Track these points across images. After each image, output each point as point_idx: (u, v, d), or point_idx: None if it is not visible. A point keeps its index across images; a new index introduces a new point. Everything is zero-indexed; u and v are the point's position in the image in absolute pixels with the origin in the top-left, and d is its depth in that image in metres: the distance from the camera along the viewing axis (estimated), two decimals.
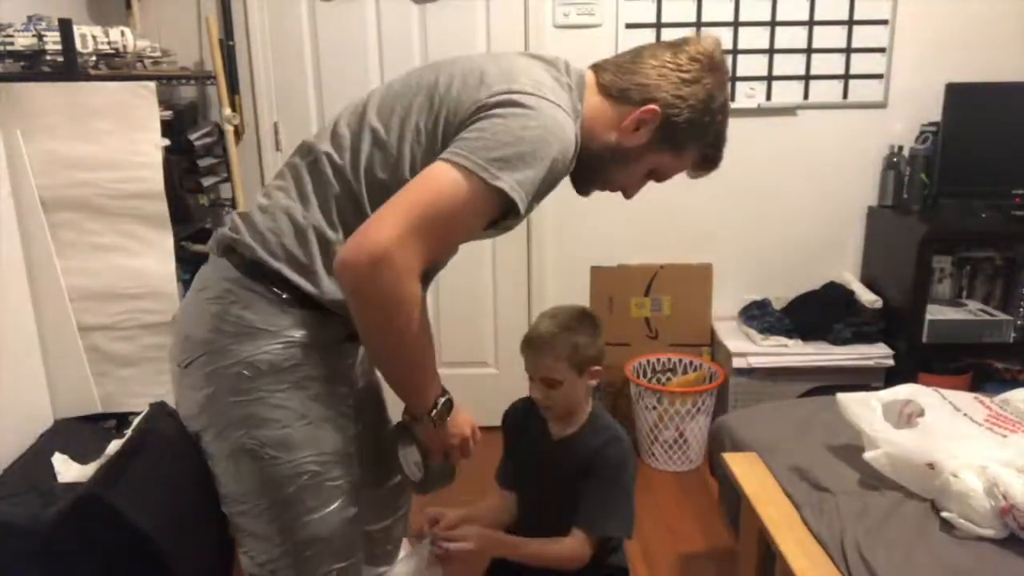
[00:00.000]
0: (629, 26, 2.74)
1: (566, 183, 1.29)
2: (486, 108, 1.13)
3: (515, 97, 1.13)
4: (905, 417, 1.62)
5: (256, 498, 1.24)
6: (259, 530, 1.27)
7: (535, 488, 1.64)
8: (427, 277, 1.23)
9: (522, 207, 1.13)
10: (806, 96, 2.82)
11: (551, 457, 1.60)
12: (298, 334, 1.21)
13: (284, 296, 1.21)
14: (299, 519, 1.24)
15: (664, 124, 1.24)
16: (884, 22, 2.76)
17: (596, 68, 1.31)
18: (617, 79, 1.27)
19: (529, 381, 1.56)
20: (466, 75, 1.19)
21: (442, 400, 1.26)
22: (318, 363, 1.22)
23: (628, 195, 1.35)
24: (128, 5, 2.58)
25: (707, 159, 1.32)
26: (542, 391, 1.53)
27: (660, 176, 1.32)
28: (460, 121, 1.15)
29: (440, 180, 1.10)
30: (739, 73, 2.80)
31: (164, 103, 2.25)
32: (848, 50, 2.79)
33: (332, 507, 1.25)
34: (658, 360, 2.94)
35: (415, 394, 1.26)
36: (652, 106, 1.22)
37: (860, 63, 2.79)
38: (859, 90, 2.82)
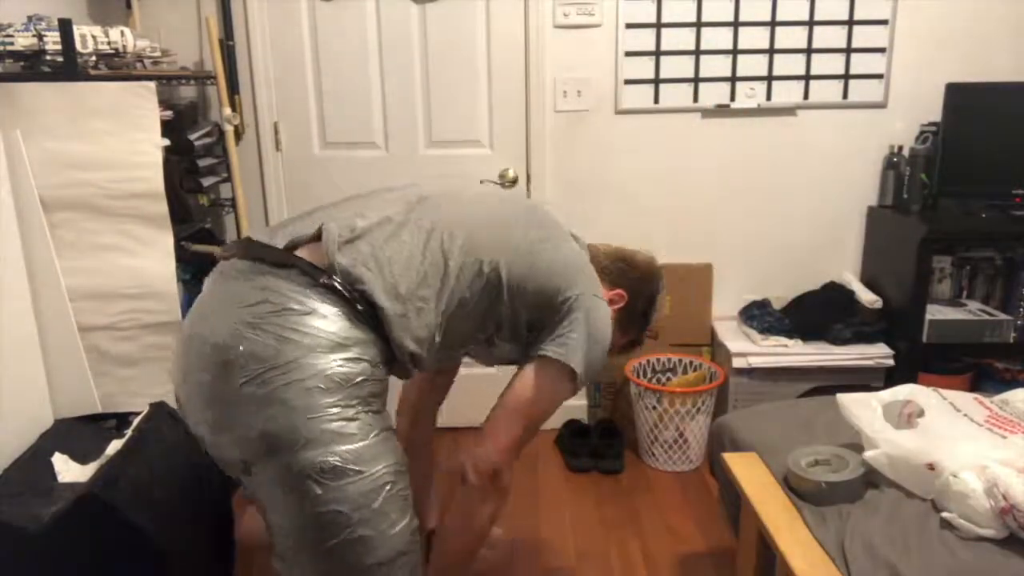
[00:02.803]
0: (629, 26, 2.74)
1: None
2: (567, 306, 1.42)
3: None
4: (905, 417, 1.62)
5: (338, 520, 1.19)
6: (331, 558, 1.21)
7: None
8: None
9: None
10: (806, 96, 2.83)
11: None
12: (366, 351, 1.25)
13: (361, 309, 1.25)
14: (384, 536, 1.23)
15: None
16: (884, 22, 2.76)
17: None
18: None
19: None
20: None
21: None
22: (378, 380, 1.27)
23: None
24: (128, 5, 2.58)
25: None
26: None
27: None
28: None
29: (538, 382, 1.43)
30: (739, 73, 2.80)
31: (164, 103, 2.25)
32: (848, 50, 2.79)
33: (407, 518, 1.28)
34: (658, 360, 2.94)
35: (462, 571, 1.51)
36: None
37: (860, 63, 2.79)
38: (859, 90, 2.82)
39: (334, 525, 1.19)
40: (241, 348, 1.18)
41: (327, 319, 1.21)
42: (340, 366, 1.19)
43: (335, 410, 1.18)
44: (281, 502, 1.21)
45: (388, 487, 1.22)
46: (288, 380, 1.17)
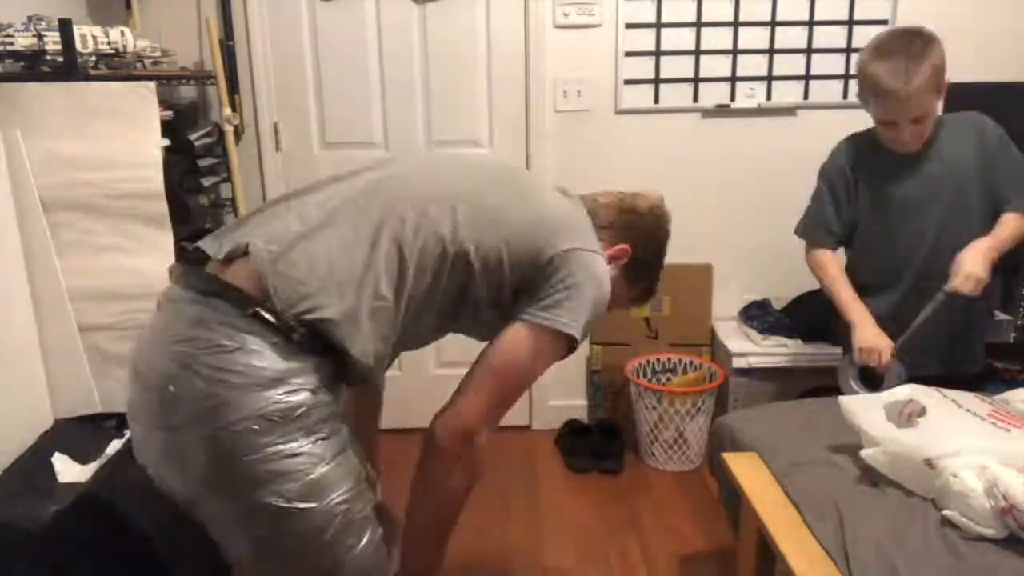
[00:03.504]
0: (629, 26, 2.74)
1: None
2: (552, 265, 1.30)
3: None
4: (906, 417, 1.62)
5: (290, 558, 1.17)
6: None
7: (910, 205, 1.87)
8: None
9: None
10: (806, 96, 2.83)
11: (927, 172, 1.88)
12: (307, 379, 1.16)
13: (297, 338, 1.15)
14: (342, 562, 1.19)
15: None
16: (884, 22, 2.76)
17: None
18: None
19: (885, 125, 1.83)
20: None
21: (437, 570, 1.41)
22: (324, 404, 1.18)
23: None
24: (128, 5, 2.58)
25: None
26: (912, 131, 1.81)
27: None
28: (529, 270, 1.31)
29: (523, 345, 1.29)
30: (739, 73, 2.80)
31: (164, 103, 2.25)
32: (848, 50, 2.79)
33: (366, 537, 1.23)
34: (658, 360, 2.94)
35: (432, 550, 1.40)
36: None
37: None
38: None
39: (291, 557, 1.16)
40: (171, 388, 1.12)
41: (258, 353, 1.12)
42: (276, 403, 1.12)
43: (273, 449, 1.11)
44: (231, 539, 1.18)
45: (340, 516, 1.17)
46: (222, 423, 1.10)
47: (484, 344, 1.34)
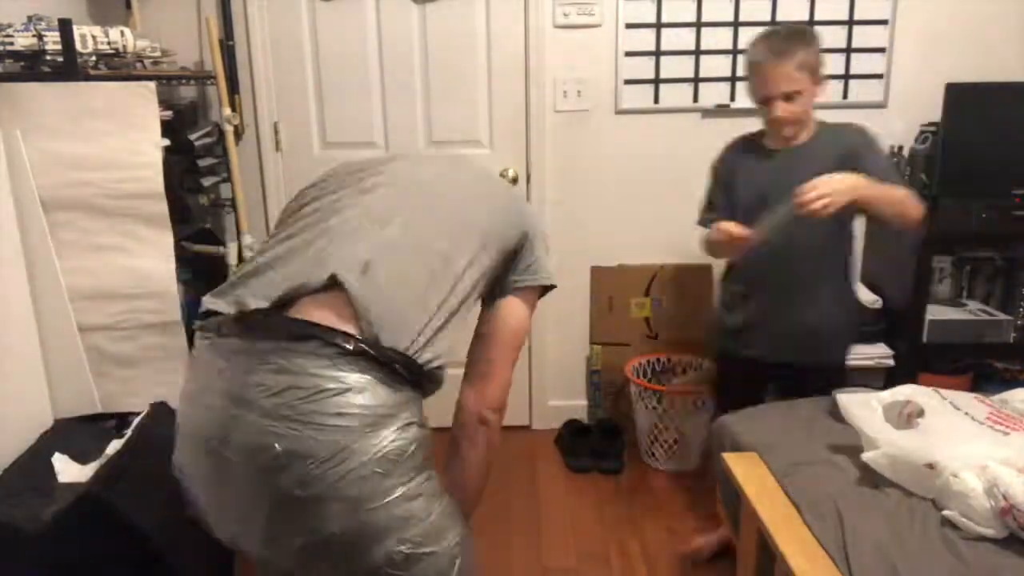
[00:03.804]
0: (629, 26, 2.74)
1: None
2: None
3: None
4: (905, 417, 1.62)
5: None
6: None
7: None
8: None
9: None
10: None
11: (789, 165, 1.96)
12: (411, 412, 1.12)
13: (399, 368, 1.10)
14: None
15: None
16: (884, 22, 2.76)
17: None
18: None
19: (766, 105, 1.95)
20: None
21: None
22: (427, 439, 1.15)
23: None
24: (128, 5, 2.58)
25: None
26: (784, 108, 1.92)
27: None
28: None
29: (525, 313, 1.39)
30: (739, 73, 2.80)
31: (164, 103, 2.25)
32: (848, 50, 2.79)
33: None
34: (658, 360, 2.94)
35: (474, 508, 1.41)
36: None
37: (860, 63, 2.79)
38: (859, 90, 2.82)
39: None
40: (278, 447, 1.02)
41: (367, 392, 1.06)
42: (393, 441, 1.06)
43: (398, 492, 1.06)
44: None
45: (459, 558, 1.14)
46: (343, 472, 1.02)
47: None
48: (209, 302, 1.19)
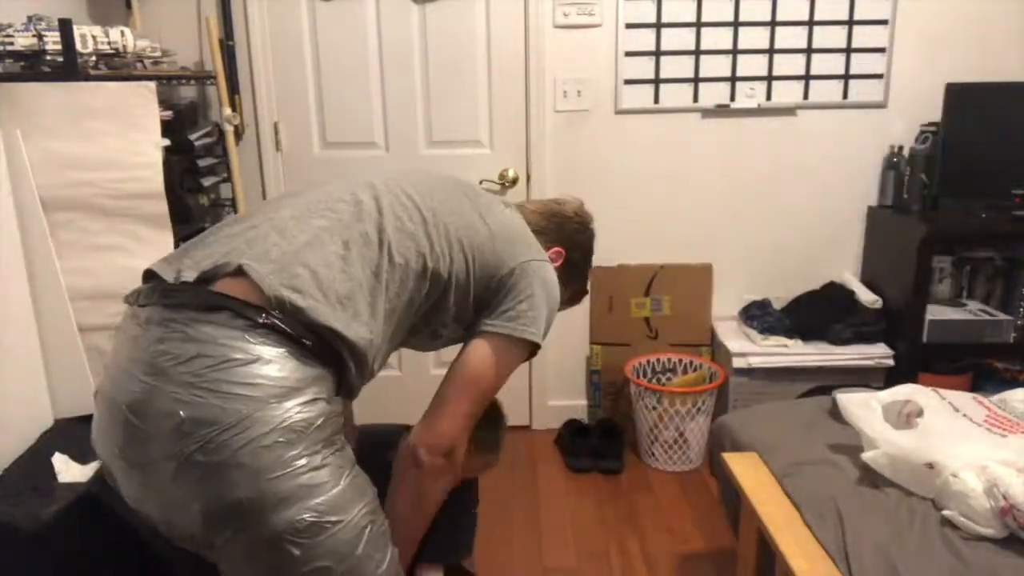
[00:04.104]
0: (629, 26, 2.74)
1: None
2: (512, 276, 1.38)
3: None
4: (904, 417, 1.62)
5: None
6: None
7: None
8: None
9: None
10: (806, 96, 2.82)
11: None
12: (320, 388, 1.14)
13: (309, 344, 1.13)
14: None
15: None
16: (884, 22, 2.76)
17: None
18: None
19: None
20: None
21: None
22: (336, 416, 1.17)
23: None
24: (128, 5, 2.58)
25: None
26: None
27: None
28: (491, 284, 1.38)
29: (492, 358, 1.35)
30: (739, 73, 2.80)
31: (164, 103, 2.25)
32: (848, 50, 2.79)
33: (389, 553, 1.20)
34: (658, 360, 2.94)
35: (409, 556, 1.41)
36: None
37: (860, 63, 2.79)
38: (859, 90, 2.82)
39: None
40: (183, 414, 1.04)
41: (274, 363, 1.08)
42: (299, 412, 1.08)
43: (302, 461, 1.07)
44: (256, 570, 1.10)
45: (368, 528, 1.14)
46: (246, 440, 1.04)
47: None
48: (153, 265, 1.23)
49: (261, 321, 1.10)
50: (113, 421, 1.11)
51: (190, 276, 1.17)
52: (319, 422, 1.11)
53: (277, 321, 1.11)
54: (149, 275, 1.24)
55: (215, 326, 1.09)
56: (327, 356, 1.16)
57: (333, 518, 1.09)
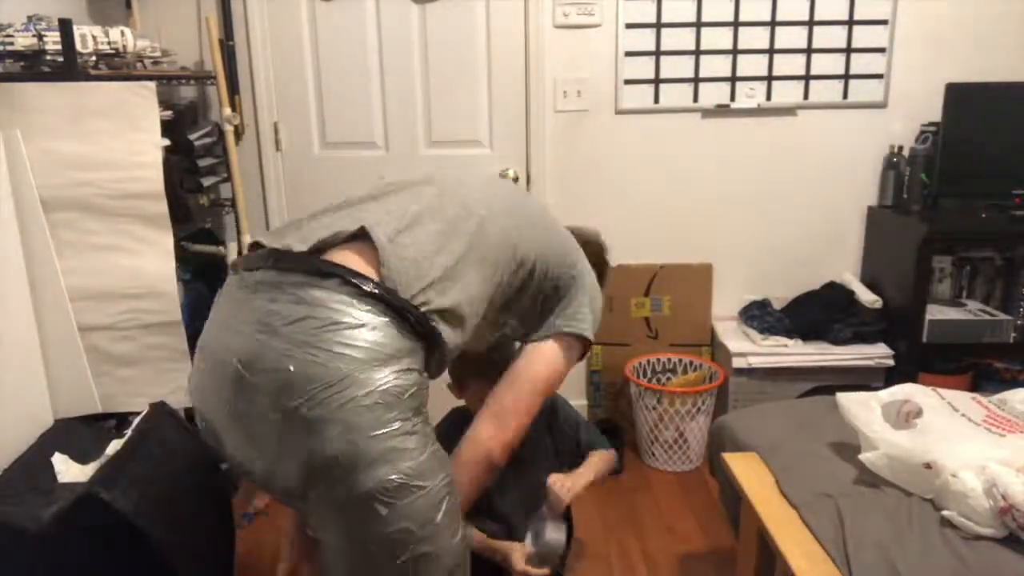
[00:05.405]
0: (629, 26, 2.74)
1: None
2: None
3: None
4: (903, 417, 1.62)
5: (392, 546, 1.14)
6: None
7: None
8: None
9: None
10: (806, 96, 2.82)
11: None
12: (413, 360, 1.19)
13: (411, 318, 1.18)
14: (446, 549, 1.19)
15: None
16: (884, 22, 2.76)
17: None
18: None
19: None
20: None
21: None
22: (425, 389, 1.22)
23: None
24: (128, 5, 2.58)
25: None
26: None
27: None
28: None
29: (559, 357, 1.44)
30: (739, 73, 2.80)
31: (164, 103, 2.25)
32: (848, 50, 2.79)
33: (462, 528, 1.23)
34: (658, 360, 2.94)
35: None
36: None
37: (860, 63, 2.79)
38: (859, 90, 2.82)
39: (401, 544, 1.14)
40: (292, 368, 1.10)
41: (378, 330, 1.14)
42: (396, 379, 1.13)
43: (396, 425, 1.12)
44: (344, 525, 1.15)
45: (447, 499, 1.18)
46: (347, 398, 1.10)
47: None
48: (259, 235, 1.29)
49: (368, 290, 1.16)
50: (223, 375, 1.17)
51: (301, 248, 1.22)
52: (412, 391, 1.16)
53: (382, 292, 1.16)
54: (255, 246, 1.30)
55: (325, 291, 1.15)
56: (423, 332, 1.20)
57: (420, 483, 1.14)
